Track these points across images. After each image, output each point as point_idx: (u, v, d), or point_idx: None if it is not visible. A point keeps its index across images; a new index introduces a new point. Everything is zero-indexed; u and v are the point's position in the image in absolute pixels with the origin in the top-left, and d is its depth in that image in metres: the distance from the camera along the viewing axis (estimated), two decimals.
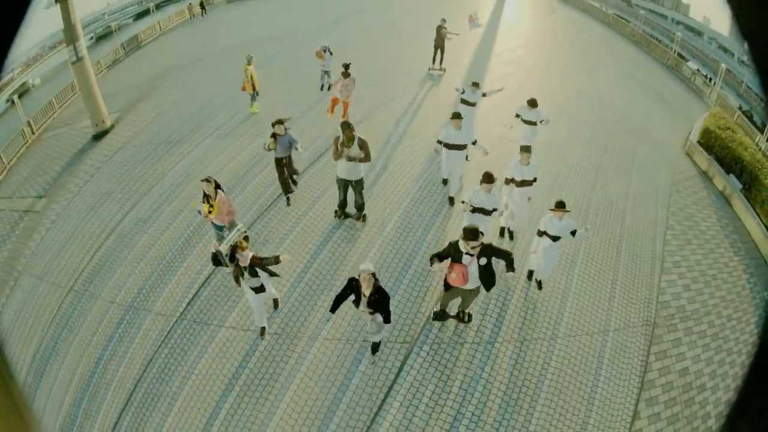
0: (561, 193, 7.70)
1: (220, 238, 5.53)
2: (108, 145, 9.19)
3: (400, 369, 5.18)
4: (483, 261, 4.44)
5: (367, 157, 5.82)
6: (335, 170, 6.11)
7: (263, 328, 5.38)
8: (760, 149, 9.89)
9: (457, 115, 6.42)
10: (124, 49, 13.31)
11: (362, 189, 6.26)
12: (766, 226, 8.14)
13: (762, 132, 11.04)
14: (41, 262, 7.03)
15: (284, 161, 6.52)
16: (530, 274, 6.14)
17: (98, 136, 9.35)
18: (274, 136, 6.21)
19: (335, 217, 6.70)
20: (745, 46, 0.41)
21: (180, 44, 14.42)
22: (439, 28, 11.06)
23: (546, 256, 5.52)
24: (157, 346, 5.45)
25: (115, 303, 6.06)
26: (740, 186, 8.84)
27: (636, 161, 9.20)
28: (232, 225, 5.42)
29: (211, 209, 5.50)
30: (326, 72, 10.04)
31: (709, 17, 26.63)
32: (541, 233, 5.39)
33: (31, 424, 0.42)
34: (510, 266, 4.58)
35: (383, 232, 6.68)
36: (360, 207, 6.53)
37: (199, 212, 5.69)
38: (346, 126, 5.70)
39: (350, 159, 5.73)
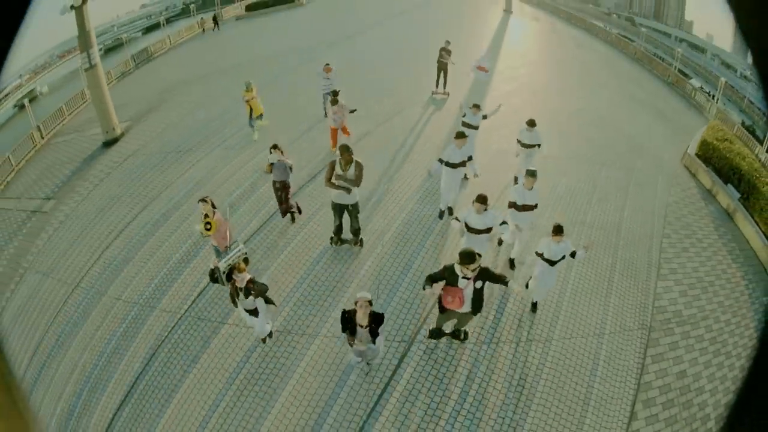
0: (558, 206, 8.01)
1: (219, 254, 5.54)
2: (118, 152, 9.70)
3: (398, 366, 5.41)
4: (479, 284, 4.46)
5: (357, 180, 5.86)
6: (329, 195, 6.17)
7: (266, 336, 5.51)
8: (759, 160, 10.20)
9: (461, 135, 6.53)
10: (134, 61, 14.01)
11: (358, 213, 6.30)
12: (765, 234, 8.38)
13: (761, 143, 11.39)
14: (48, 259, 7.39)
15: (278, 185, 6.66)
16: (534, 305, 6.21)
17: (108, 143, 9.86)
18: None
19: (331, 243, 6.70)
20: (747, 49, 0.41)
21: (190, 59, 15.15)
22: (443, 50, 10.99)
23: (542, 278, 5.61)
24: (161, 340, 5.73)
25: (120, 300, 6.38)
26: (738, 195, 9.12)
27: (634, 174, 9.53)
28: (233, 246, 5.42)
29: (209, 227, 5.55)
30: (329, 94, 9.46)
31: (712, 34, 27.46)
32: (548, 261, 5.42)
33: (29, 420, 0.43)
34: (506, 285, 4.67)
35: (384, 237, 7.01)
36: (356, 232, 6.55)
37: (201, 234, 5.70)
38: (345, 149, 5.78)
39: (340, 186, 5.80)
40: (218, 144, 9.67)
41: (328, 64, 9.87)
